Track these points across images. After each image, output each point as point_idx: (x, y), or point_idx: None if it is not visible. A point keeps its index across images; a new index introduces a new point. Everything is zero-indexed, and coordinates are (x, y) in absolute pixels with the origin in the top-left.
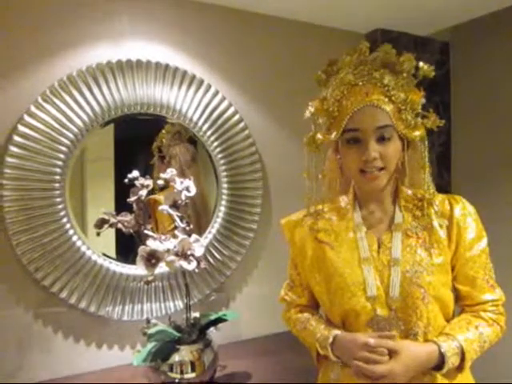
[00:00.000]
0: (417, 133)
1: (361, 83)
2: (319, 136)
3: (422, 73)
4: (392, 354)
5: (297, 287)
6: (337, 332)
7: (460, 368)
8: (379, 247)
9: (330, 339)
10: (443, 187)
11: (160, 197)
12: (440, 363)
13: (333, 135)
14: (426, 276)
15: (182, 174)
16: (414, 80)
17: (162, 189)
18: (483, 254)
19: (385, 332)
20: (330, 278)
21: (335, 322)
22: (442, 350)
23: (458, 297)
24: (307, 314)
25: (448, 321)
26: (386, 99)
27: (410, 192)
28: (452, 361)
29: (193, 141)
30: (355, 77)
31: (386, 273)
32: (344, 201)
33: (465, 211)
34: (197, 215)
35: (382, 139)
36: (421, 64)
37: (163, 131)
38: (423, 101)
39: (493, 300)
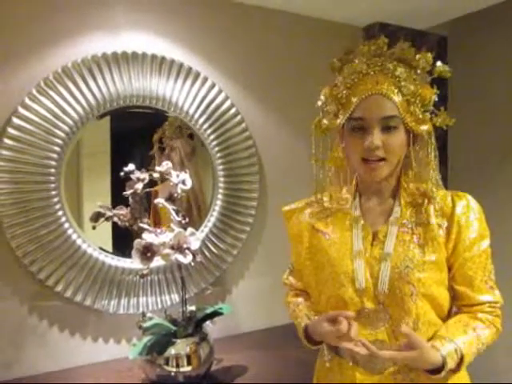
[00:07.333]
0: (424, 127)
1: (372, 73)
2: (325, 121)
3: (438, 71)
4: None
5: (296, 272)
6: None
7: (454, 371)
8: (373, 240)
9: (303, 324)
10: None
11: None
12: (438, 367)
13: (338, 121)
14: (417, 273)
15: (182, 167)
16: (428, 77)
17: (162, 181)
18: (484, 254)
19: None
20: (322, 266)
21: (323, 311)
22: (443, 354)
23: (455, 297)
24: (301, 298)
25: (443, 319)
26: (396, 90)
27: (412, 186)
28: (450, 365)
29: (190, 135)
30: (368, 66)
31: (376, 266)
32: (347, 191)
33: (468, 209)
34: (193, 208)
35: (387, 129)
36: (439, 63)
37: (166, 123)
38: (435, 98)
39: (491, 301)
